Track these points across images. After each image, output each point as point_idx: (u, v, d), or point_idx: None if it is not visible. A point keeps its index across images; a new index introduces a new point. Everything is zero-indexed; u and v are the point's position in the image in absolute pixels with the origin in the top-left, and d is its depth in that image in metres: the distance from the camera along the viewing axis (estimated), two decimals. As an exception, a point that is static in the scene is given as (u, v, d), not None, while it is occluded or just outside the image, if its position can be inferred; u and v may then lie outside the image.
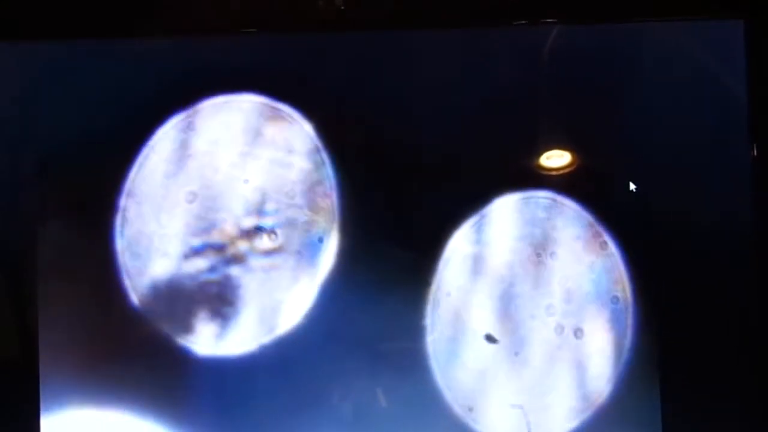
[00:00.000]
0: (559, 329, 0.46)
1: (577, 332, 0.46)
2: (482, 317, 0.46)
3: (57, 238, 0.46)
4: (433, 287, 0.46)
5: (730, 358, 0.46)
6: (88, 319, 0.46)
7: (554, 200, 0.47)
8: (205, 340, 0.46)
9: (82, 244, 0.46)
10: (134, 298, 0.46)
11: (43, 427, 0.45)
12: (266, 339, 0.46)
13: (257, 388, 0.46)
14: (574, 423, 0.46)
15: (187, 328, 0.46)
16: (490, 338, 0.46)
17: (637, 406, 0.46)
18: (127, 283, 0.46)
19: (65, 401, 0.45)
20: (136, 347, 0.46)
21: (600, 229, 0.47)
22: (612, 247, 0.46)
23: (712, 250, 0.46)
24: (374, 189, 0.46)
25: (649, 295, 0.46)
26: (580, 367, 0.46)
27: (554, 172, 0.47)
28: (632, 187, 0.47)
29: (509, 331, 0.46)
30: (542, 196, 0.47)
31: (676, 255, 0.46)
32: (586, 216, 0.47)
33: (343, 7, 0.47)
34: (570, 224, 0.47)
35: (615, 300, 0.46)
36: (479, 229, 0.46)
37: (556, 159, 0.47)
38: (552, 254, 0.47)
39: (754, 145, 0.47)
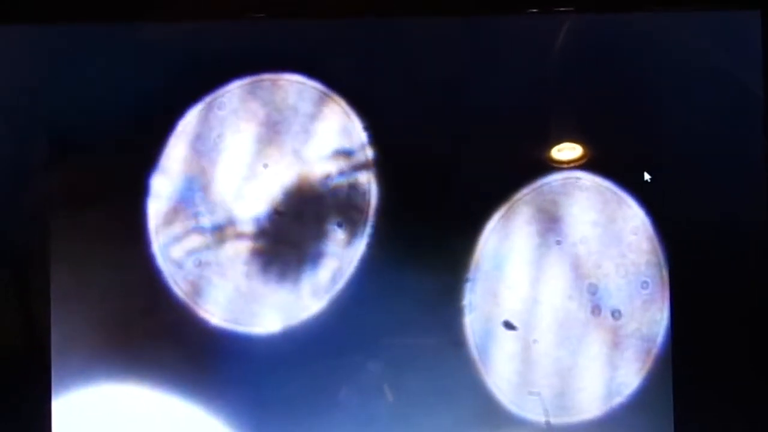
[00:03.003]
0: (597, 311, 0.46)
1: (615, 313, 0.46)
2: (516, 299, 0.46)
3: (72, 218, 0.46)
4: (471, 269, 0.46)
5: (744, 352, 0.46)
6: (108, 295, 0.46)
7: (588, 181, 0.47)
8: (233, 318, 0.46)
9: (102, 225, 0.46)
10: (161, 276, 0.46)
11: (57, 404, 0.46)
12: (297, 319, 0.46)
13: (286, 367, 0.46)
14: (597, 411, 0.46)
15: (216, 305, 0.46)
16: (508, 325, 0.46)
17: (650, 399, 0.46)
18: (155, 260, 0.46)
19: (81, 378, 0.46)
20: (159, 323, 0.46)
21: (632, 211, 0.47)
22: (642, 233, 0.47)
23: (727, 244, 0.46)
24: (405, 173, 0.47)
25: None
26: (610, 352, 0.46)
27: (572, 160, 0.47)
28: (647, 177, 0.46)
29: (545, 312, 0.46)
30: (576, 177, 0.47)
31: (690, 249, 0.46)
32: (619, 199, 0.47)
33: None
34: (601, 207, 0.47)
35: (645, 285, 0.46)
36: (515, 211, 0.47)
37: (569, 151, 0.47)
38: (582, 238, 0.47)
39: (770, 137, 0.46)
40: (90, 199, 0.46)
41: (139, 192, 0.46)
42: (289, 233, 0.46)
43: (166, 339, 0.46)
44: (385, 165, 0.47)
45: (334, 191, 0.47)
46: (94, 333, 0.46)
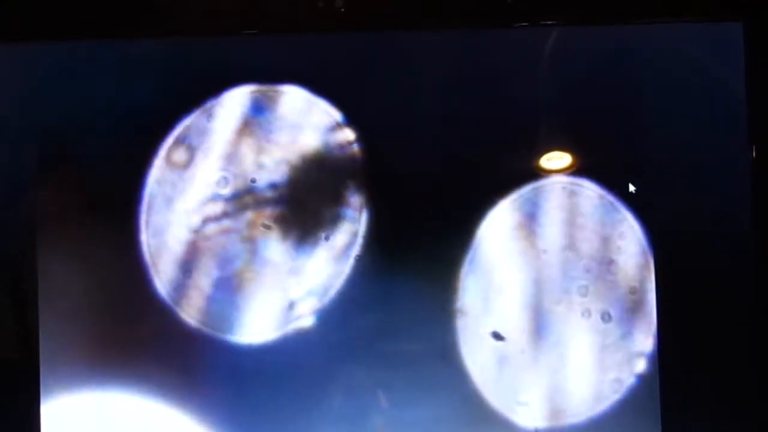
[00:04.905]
0: (586, 314, 0.47)
1: (605, 315, 0.47)
2: (507, 304, 0.47)
3: (60, 228, 0.46)
4: (463, 273, 0.46)
5: (730, 355, 0.46)
6: (93, 300, 0.46)
7: (575, 186, 0.47)
8: (223, 326, 0.46)
9: (89, 235, 0.46)
10: (152, 284, 0.46)
11: (45, 411, 0.46)
12: (289, 326, 0.46)
13: (277, 376, 0.46)
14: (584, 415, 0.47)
15: (205, 314, 0.46)
16: (496, 336, 0.46)
17: (640, 402, 0.46)
18: (146, 269, 0.46)
19: (69, 385, 0.46)
20: (148, 331, 0.46)
21: (621, 216, 0.47)
22: (630, 238, 0.47)
23: (712, 250, 0.46)
24: (396, 182, 0.47)
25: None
26: (600, 354, 0.47)
27: (559, 167, 0.47)
28: (631, 188, 0.47)
29: (535, 316, 0.47)
30: (565, 182, 0.47)
31: (676, 255, 0.46)
32: (607, 203, 0.47)
33: (343, 9, 0.47)
34: (590, 212, 0.47)
35: (633, 290, 0.47)
36: (504, 216, 0.47)
37: (556, 159, 0.47)
38: (571, 244, 0.47)
39: (753, 146, 0.47)
40: (78, 209, 0.46)
41: (128, 202, 0.46)
42: (279, 245, 0.47)
43: (155, 347, 0.46)
44: (376, 174, 0.47)
45: (325, 203, 0.47)
46: (82, 341, 0.46)
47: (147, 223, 0.46)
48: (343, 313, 0.46)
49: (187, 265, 0.46)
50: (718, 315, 0.46)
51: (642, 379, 0.46)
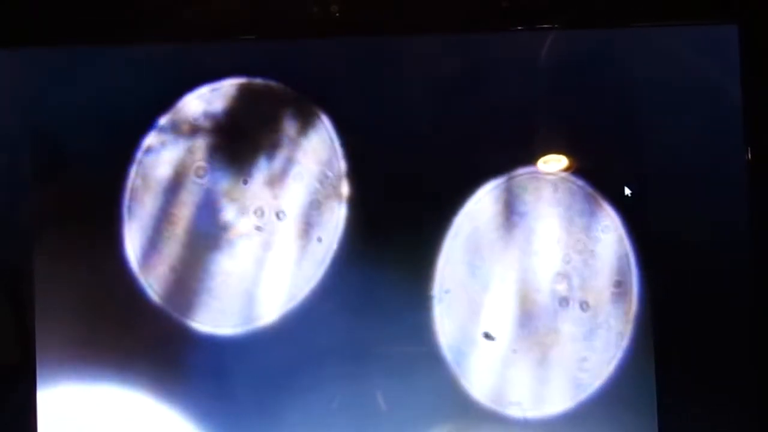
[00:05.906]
0: (564, 303, 0.47)
1: (583, 305, 0.47)
2: (488, 293, 0.47)
3: (55, 232, 0.47)
4: (440, 263, 0.47)
5: (725, 348, 0.46)
6: (87, 299, 0.47)
7: (560, 179, 0.47)
8: (207, 321, 0.47)
9: (81, 237, 0.47)
10: (137, 277, 0.47)
11: (40, 408, 0.47)
12: (270, 317, 0.47)
13: (263, 365, 0.46)
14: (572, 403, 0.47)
15: (189, 306, 0.47)
16: (487, 336, 0.46)
17: (633, 393, 0.46)
18: (130, 264, 0.47)
19: (64, 381, 0.46)
20: (136, 325, 0.47)
21: (604, 211, 0.47)
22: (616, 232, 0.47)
23: (709, 251, 0.47)
24: (378, 172, 0.47)
25: (647, 290, 0.47)
26: (579, 343, 0.47)
27: (550, 170, 0.47)
28: (627, 191, 0.47)
29: (516, 307, 0.47)
30: (543, 173, 0.47)
31: (673, 256, 0.47)
32: (592, 199, 0.47)
33: (338, 14, 0.47)
34: (574, 205, 0.47)
35: (618, 284, 0.47)
36: (486, 205, 0.47)
37: (552, 164, 0.47)
38: (554, 235, 0.47)
39: (749, 148, 0.47)
40: (71, 215, 0.47)
41: (116, 205, 0.47)
42: (264, 242, 0.47)
43: (146, 345, 0.46)
44: (356, 172, 0.47)
45: (310, 202, 0.47)
46: (76, 338, 0.46)
47: (133, 225, 0.47)
48: (322, 304, 0.46)
49: (174, 263, 0.47)
50: (716, 316, 0.46)
51: (639, 379, 0.46)
